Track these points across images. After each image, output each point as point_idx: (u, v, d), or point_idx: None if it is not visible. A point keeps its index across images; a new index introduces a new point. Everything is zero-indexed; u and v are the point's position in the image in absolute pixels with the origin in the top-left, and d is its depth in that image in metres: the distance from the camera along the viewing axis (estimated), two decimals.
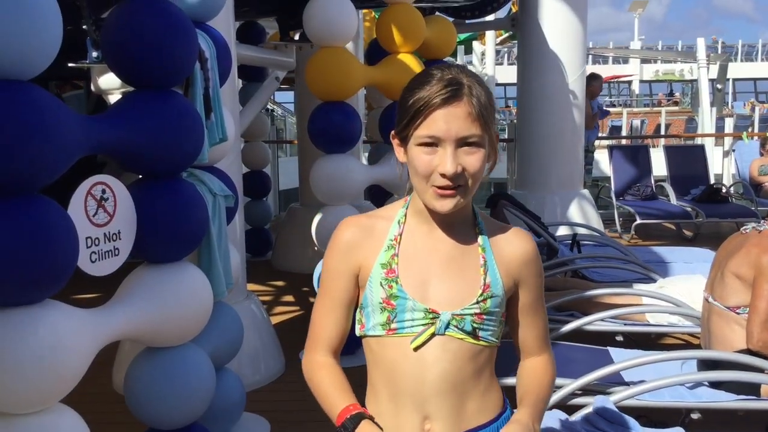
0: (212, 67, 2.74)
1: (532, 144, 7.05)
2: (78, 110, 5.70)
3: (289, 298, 5.49)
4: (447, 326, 1.35)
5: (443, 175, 1.29)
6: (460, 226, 1.41)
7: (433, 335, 1.35)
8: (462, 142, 1.29)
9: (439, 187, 1.31)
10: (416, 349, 1.36)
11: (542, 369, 1.49)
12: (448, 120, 1.28)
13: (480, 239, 1.41)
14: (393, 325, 1.38)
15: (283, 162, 10.31)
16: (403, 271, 1.38)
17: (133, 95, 2.19)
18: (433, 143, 1.29)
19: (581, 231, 5.74)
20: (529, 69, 7.00)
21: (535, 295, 1.46)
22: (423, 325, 1.36)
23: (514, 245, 1.43)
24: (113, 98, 3.92)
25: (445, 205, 1.32)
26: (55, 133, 1.68)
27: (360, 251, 1.43)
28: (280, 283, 5.87)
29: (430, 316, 1.36)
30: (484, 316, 1.37)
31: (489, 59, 21.13)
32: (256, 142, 6.75)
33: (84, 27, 3.72)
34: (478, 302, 1.36)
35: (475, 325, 1.37)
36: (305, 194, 6.57)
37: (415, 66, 4.26)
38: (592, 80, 8.21)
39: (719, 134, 10.44)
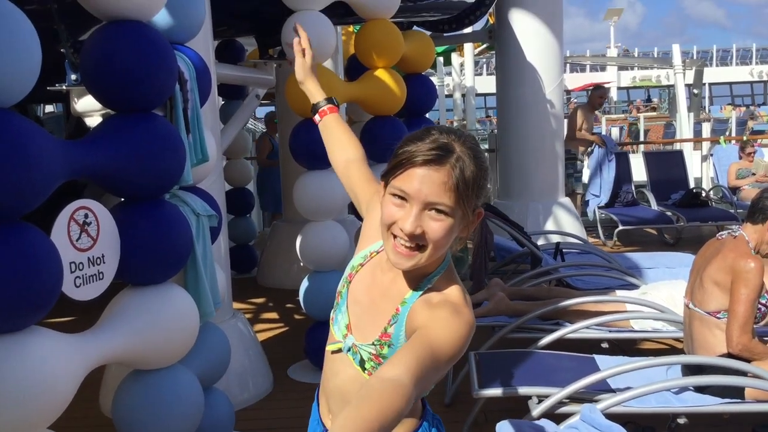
0: (192, 88, 2.75)
1: (512, 154, 7.12)
2: (57, 132, 5.66)
3: (275, 314, 5.48)
4: (349, 349, 1.43)
5: (402, 231, 1.28)
6: (409, 273, 1.38)
7: (340, 349, 1.45)
8: (430, 207, 1.27)
9: (399, 242, 1.30)
10: (332, 352, 1.47)
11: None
12: (422, 181, 1.26)
13: (409, 294, 1.38)
14: (332, 315, 1.51)
15: None
16: (356, 282, 1.50)
17: (114, 119, 2.20)
18: (403, 197, 1.28)
19: (565, 239, 5.78)
20: (507, 80, 7.08)
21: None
22: (342, 334, 1.46)
23: (428, 312, 1.32)
24: (92, 120, 3.91)
25: (401, 263, 1.31)
26: (36, 161, 1.68)
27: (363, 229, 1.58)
28: (265, 300, 5.86)
29: (345, 331, 1.45)
30: (381, 359, 1.38)
31: (468, 70, 21.26)
32: (238, 159, 6.75)
33: (62, 50, 3.71)
34: (374, 345, 1.38)
35: (370, 361, 1.39)
36: (288, 210, 6.58)
37: (394, 81, 4.30)
38: (593, 91, 8.29)
39: (697, 139, 10.57)
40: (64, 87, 3.78)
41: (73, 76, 3.76)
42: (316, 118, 1.86)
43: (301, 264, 4.18)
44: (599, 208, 8.02)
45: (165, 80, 2.27)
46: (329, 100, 1.85)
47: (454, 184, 1.26)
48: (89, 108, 3.74)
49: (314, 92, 1.88)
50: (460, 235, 1.34)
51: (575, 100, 25.90)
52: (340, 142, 1.80)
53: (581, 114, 8.21)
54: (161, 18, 2.60)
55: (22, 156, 1.64)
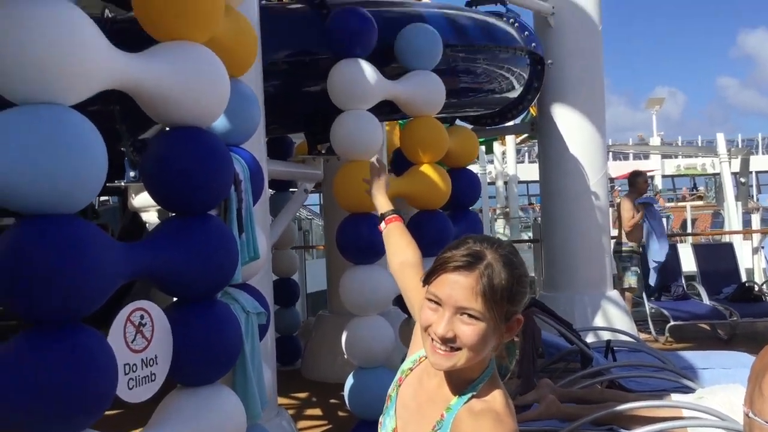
0: (246, 189, 2.83)
1: (557, 244, 7.06)
2: (112, 223, 5.83)
3: (319, 410, 5.39)
4: None
5: (435, 334, 1.35)
6: (453, 379, 1.43)
7: None
8: (461, 311, 1.33)
9: (435, 344, 1.36)
10: None
11: None
12: (453, 287, 1.33)
13: (454, 401, 1.41)
14: (380, 419, 1.56)
15: (311, 264, 10.37)
16: (405, 386, 1.55)
17: (171, 222, 2.27)
18: (438, 302, 1.36)
19: (615, 336, 5.63)
20: (551, 171, 7.11)
21: None
22: None
23: (472, 423, 1.37)
24: (148, 215, 4.04)
25: (440, 363, 1.37)
26: (98, 265, 1.73)
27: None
28: (309, 394, 5.78)
29: None
30: None
31: (510, 158, 21.47)
32: (284, 250, 6.83)
33: (122, 149, 3.88)
34: None
35: None
36: (334, 300, 6.58)
37: (439, 176, 4.36)
38: (637, 177, 8.22)
39: (747, 231, 10.37)
40: (122, 183, 3.94)
41: (132, 173, 3.92)
42: (382, 225, 2.07)
43: (346, 357, 4.15)
44: (649, 302, 7.81)
45: (222, 185, 2.35)
46: (394, 211, 2.09)
47: (482, 290, 1.32)
48: (146, 204, 3.87)
49: (383, 204, 2.20)
50: (499, 340, 1.38)
51: (619, 188, 25.78)
52: (399, 247, 1.94)
53: (629, 203, 8.13)
54: (219, 122, 2.72)
55: (84, 261, 1.69)
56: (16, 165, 1.61)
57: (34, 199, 1.65)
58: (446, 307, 1.34)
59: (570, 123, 6.94)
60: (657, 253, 7.80)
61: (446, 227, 4.45)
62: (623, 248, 7.74)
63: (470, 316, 1.32)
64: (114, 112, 3.73)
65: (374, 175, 2.32)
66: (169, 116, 2.24)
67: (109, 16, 3.67)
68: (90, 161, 1.73)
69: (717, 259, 8.43)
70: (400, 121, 6.47)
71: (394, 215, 2.08)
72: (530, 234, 10.68)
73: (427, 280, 1.39)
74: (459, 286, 1.33)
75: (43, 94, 1.66)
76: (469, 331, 1.32)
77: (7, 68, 1.62)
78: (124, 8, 4.19)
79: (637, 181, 8.16)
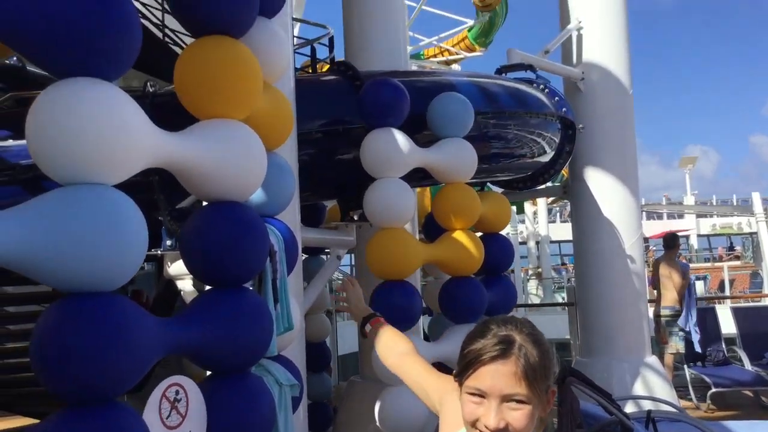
0: (280, 260, 2.86)
1: (593, 309, 6.93)
2: (147, 289, 5.89)
3: None
4: None
5: (486, 427, 1.34)
6: None
7: None
8: (508, 399, 1.34)
9: None
10: None
11: None
12: (494, 377, 1.34)
13: None
14: None
15: (342, 325, 10.30)
16: None
17: (207, 296, 2.29)
18: (481, 395, 1.36)
19: (656, 405, 5.46)
20: (584, 234, 7.03)
21: None
22: None
23: None
24: (183, 283, 4.08)
25: None
26: (138, 344, 1.75)
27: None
28: None
29: None
30: None
31: (541, 219, 21.37)
32: (316, 315, 6.81)
33: (160, 218, 3.95)
34: None
35: None
36: (365, 365, 6.49)
37: (472, 242, 4.35)
38: (676, 239, 8.16)
39: None
40: (159, 252, 4.00)
41: (168, 242, 3.98)
42: (367, 328, 2.21)
43: (377, 425, 4.08)
44: (690, 368, 7.59)
45: (258, 258, 2.38)
46: (374, 314, 2.29)
47: (523, 372, 1.33)
48: (181, 272, 3.92)
49: (363, 310, 2.35)
50: (540, 416, 1.39)
51: (654, 248, 25.41)
52: (392, 342, 2.05)
53: (665, 264, 8.01)
54: (255, 194, 2.76)
55: (125, 341, 1.71)
56: (59, 244, 1.65)
57: (75, 277, 1.68)
58: (491, 398, 1.34)
59: (603, 185, 6.90)
60: (686, 319, 7.66)
61: (480, 294, 4.41)
62: (666, 312, 7.59)
63: (518, 401, 1.33)
64: (153, 182, 3.81)
65: (348, 289, 2.44)
66: (207, 192, 2.29)
67: (150, 90, 3.79)
68: (130, 240, 1.77)
69: (758, 322, 8.20)
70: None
71: (375, 317, 2.24)
72: (564, 296, 10.52)
73: (462, 375, 1.40)
74: (500, 374, 1.33)
75: (88, 175, 1.71)
76: (519, 416, 1.33)
77: (52, 151, 1.67)
78: (167, 81, 4.34)
79: (675, 243, 8.09)
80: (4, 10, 1.60)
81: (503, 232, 5.27)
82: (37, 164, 1.72)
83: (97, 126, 1.66)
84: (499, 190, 6.69)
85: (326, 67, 5.89)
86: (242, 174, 2.27)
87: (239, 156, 2.21)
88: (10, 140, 3.83)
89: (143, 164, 1.86)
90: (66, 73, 1.70)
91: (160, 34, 6.19)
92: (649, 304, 7.40)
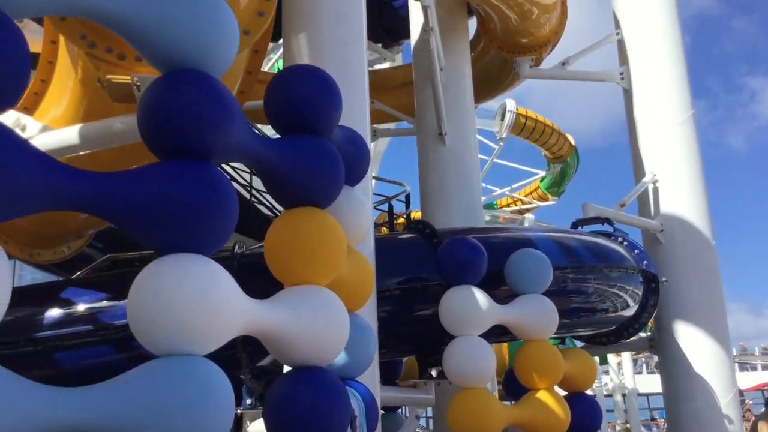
0: (360, 424, 2.82)
1: None
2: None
3: None
4: None
5: None
6: None
7: None
8: None
9: None
10: None
11: None
12: None
13: None
14: None
15: None
16: None
17: None
18: None
19: None
20: (675, 392, 6.65)
21: None
22: None
23: None
24: None
25: None
26: None
27: None
28: None
29: None
30: None
31: (627, 370, 20.37)
32: None
33: (241, 376, 3.98)
34: None
35: None
36: None
37: (557, 403, 4.19)
38: None
39: None
40: (239, 411, 4.00)
41: (249, 401, 3.99)
42: None
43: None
44: None
45: (339, 426, 2.35)
46: None
47: None
48: None
49: None
50: None
51: (750, 401, 23.67)
52: None
53: (765, 424, 7.42)
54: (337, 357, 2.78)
55: None
56: (148, 416, 1.68)
57: None
58: None
59: (691, 339, 6.59)
60: None
61: None
62: None
63: None
64: (236, 341, 3.89)
65: None
66: (292, 357, 2.32)
67: (238, 251, 3.96)
68: (217, 411, 1.79)
69: None
70: None
71: None
72: None
73: None
74: None
75: (182, 346, 1.77)
76: None
77: (153, 325, 1.75)
78: (254, 238, 4.54)
79: None
80: (121, 193, 1.74)
81: None
82: (135, 335, 1.80)
83: (198, 303, 1.74)
84: (581, 344, 6.49)
85: (401, 219, 6.06)
86: (325, 340, 2.30)
87: (325, 323, 2.26)
88: (105, 301, 4.02)
89: (234, 333, 1.92)
90: (169, 250, 1.81)
91: (247, 195, 6.58)
92: None
